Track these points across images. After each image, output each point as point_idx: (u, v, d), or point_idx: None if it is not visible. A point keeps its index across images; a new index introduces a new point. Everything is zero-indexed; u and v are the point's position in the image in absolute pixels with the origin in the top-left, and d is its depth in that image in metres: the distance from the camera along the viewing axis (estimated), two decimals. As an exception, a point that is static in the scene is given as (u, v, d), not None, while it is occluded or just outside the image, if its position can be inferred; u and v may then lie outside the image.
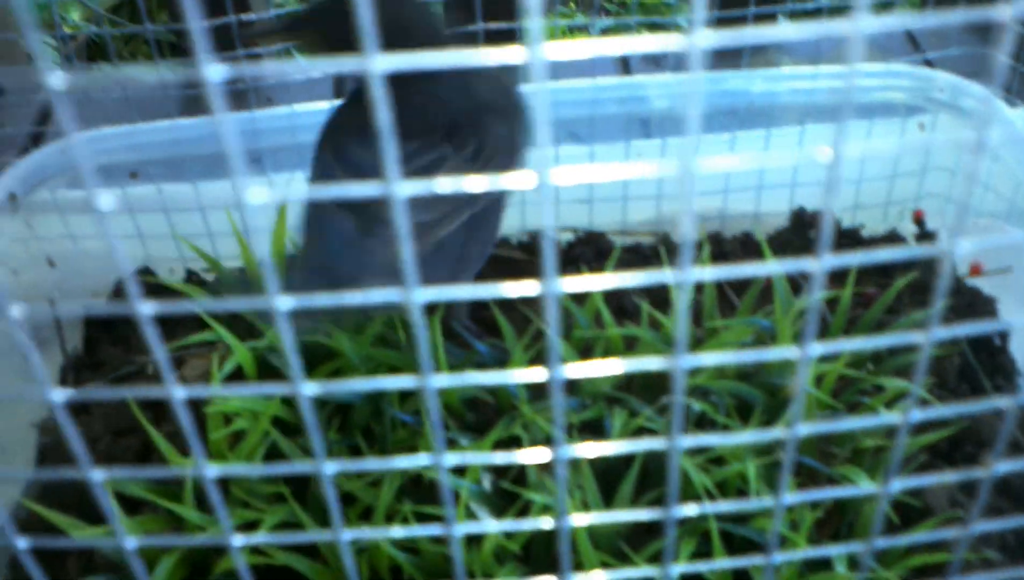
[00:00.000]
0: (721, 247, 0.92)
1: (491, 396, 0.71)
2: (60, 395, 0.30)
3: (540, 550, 0.63)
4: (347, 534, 0.33)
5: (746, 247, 0.93)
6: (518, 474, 0.66)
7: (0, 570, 0.69)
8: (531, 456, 0.32)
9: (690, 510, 0.34)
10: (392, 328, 0.73)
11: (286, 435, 0.67)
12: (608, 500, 0.64)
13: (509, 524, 0.35)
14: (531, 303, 0.81)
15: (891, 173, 0.92)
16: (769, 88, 0.89)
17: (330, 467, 0.31)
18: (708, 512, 0.37)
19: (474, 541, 0.61)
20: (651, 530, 0.64)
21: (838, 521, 0.66)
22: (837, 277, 0.84)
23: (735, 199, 0.93)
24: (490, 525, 0.34)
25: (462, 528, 0.34)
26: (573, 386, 0.71)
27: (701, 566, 0.40)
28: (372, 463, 0.30)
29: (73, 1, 1.46)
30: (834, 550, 0.37)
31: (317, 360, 0.72)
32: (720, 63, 0.95)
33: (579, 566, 0.59)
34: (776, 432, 0.30)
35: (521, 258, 0.91)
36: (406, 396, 0.69)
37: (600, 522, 0.43)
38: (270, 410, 0.65)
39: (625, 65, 1.21)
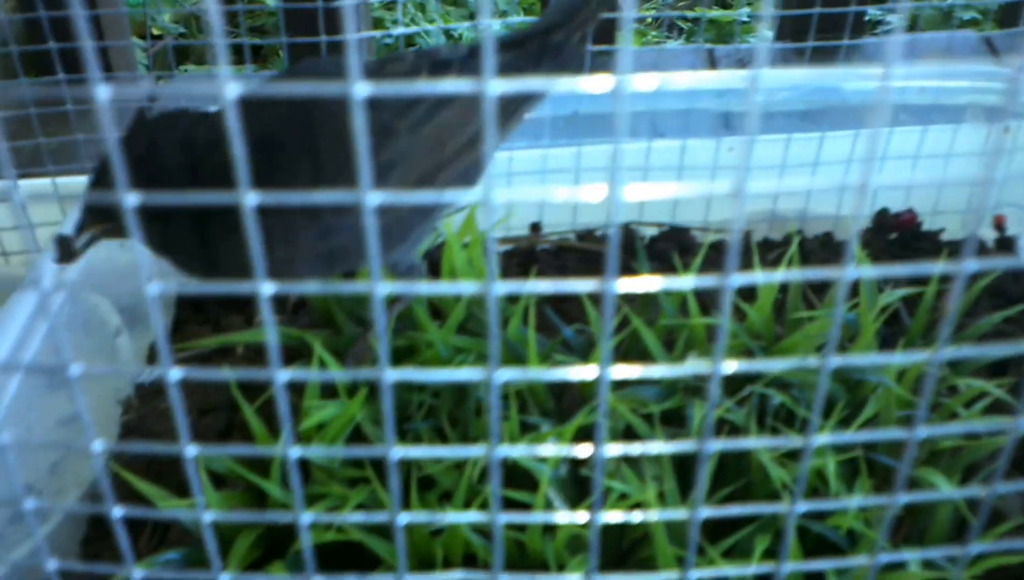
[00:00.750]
0: (802, 247, 0.93)
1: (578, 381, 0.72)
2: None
3: (612, 540, 0.64)
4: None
5: (826, 247, 0.94)
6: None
7: (79, 532, 0.72)
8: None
9: (825, 438, 0.35)
10: (480, 317, 0.75)
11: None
12: (685, 492, 0.65)
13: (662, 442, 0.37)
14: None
15: (972, 180, 0.92)
16: (861, 86, 0.90)
17: (502, 375, 0.32)
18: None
19: (549, 530, 0.61)
20: (727, 525, 0.65)
21: (911, 525, 0.67)
22: (918, 280, 0.84)
23: (817, 200, 0.94)
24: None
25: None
26: (654, 376, 0.72)
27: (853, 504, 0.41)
28: (516, 373, 0.32)
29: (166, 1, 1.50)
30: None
31: (405, 351, 0.74)
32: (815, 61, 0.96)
33: (654, 559, 0.60)
34: (922, 355, 0.31)
35: (604, 250, 0.93)
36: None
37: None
38: (352, 410, 0.66)
39: (712, 64, 1.22)
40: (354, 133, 0.26)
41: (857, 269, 0.30)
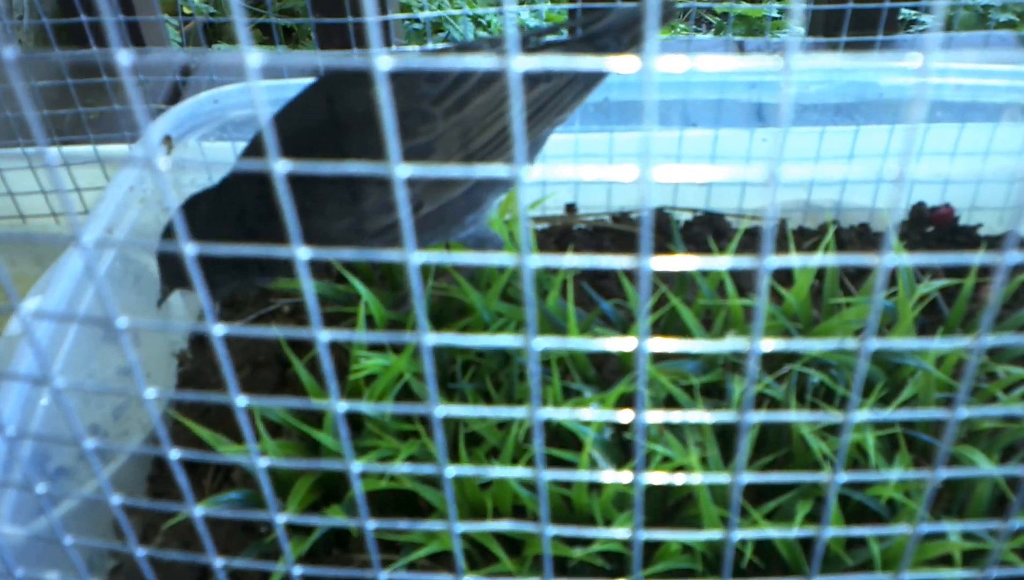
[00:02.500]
0: (838, 236, 0.94)
1: (618, 352, 0.73)
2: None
3: (657, 499, 0.65)
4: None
5: (863, 237, 0.94)
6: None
7: (145, 470, 0.73)
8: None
9: (865, 414, 0.35)
10: (520, 288, 0.75)
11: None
12: (727, 459, 0.66)
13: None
14: (657, 271, 0.84)
15: (1010, 177, 0.93)
16: (898, 81, 0.90)
17: (540, 343, 0.33)
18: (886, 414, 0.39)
19: (595, 487, 0.63)
20: (769, 491, 0.65)
21: (950, 498, 0.67)
22: (957, 272, 0.85)
23: (852, 192, 0.95)
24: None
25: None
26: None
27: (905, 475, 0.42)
28: (552, 341, 0.32)
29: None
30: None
31: (450, 315, 0.75)
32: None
33: (698, 518, 0.61)
34: (963, 341, 0.32)
35: (638, 232, 0.93)
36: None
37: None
38: (399, 365, 0.67)
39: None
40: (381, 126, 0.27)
41: (897, 256, 0.29)
